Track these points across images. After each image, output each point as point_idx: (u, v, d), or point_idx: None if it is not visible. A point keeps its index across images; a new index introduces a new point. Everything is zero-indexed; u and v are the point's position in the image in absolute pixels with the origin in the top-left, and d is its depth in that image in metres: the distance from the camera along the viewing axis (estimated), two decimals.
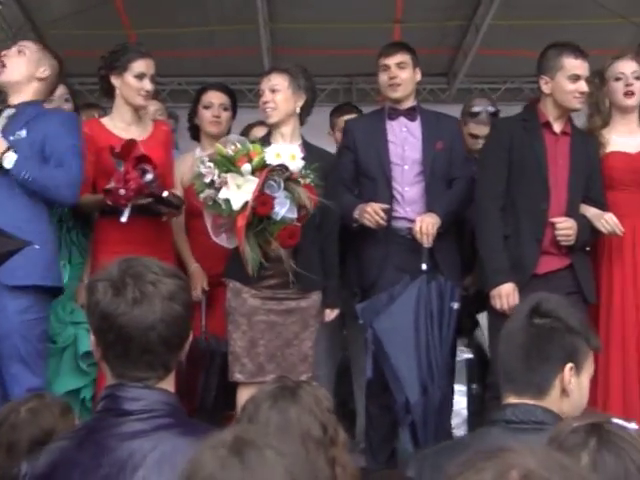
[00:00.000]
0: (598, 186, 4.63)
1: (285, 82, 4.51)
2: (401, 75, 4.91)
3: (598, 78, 4.67)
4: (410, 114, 4.95)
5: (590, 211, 4.55)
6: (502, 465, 1.30)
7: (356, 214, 4.72)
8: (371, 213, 4.66)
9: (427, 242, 4.56)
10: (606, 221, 4.46)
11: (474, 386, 5.70)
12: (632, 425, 1.74)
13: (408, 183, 4.83)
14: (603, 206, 4.57)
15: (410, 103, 4.99)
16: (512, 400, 2.44)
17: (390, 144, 4.89)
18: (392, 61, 4.93)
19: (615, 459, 1.60)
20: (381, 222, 4.67)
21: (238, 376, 4.28)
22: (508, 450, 1.33)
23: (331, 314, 4.58)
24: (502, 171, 4.55)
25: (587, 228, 4.52)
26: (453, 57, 8.09)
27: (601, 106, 4.70)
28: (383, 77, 4.98)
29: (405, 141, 4.90)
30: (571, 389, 2.45)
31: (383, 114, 5.01)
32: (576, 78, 4.51)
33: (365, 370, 4.52)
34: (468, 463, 1.33)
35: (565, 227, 4.47)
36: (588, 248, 4.65)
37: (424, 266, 4.50)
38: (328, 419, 2.24)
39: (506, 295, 4.39)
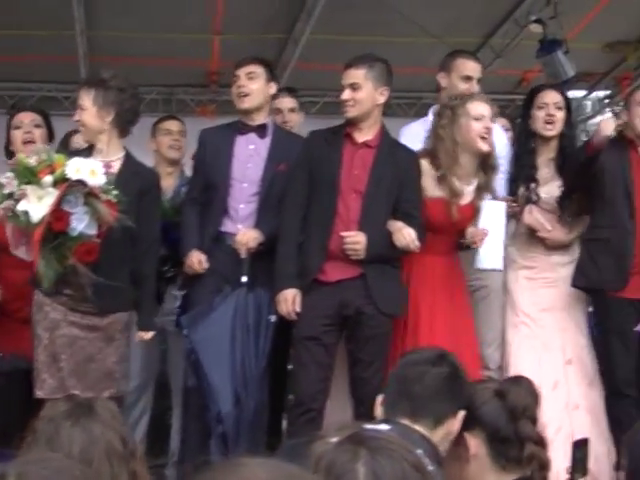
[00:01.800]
0: (410, 200, 4.62)
1: (89, 99, 4.41)
2: (250, 85, 4.88)
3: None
4: (260, 131, 4.92)
5: (394, 224, 4.52)
6: (236, 478, 1.34)
7: (184, 257, 4.76)
8: (192, 265, 4.71)
9: (244, 253, 4.57)
10: (402, 235, 4.42)
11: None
12: (383, 426, 1.78)
13: (244, 201, 4.82)
14: (413, 219, 4.55)
15: (262, 119, 4.95)
16: (405, 422, 2.56)
17: (234, 160, 4.85)
18: (242, 71, 4.90)
19: (391, 462, 1.61)
20: (200, 270, 4.70)
21: (39, 392, 4.15)
22: (242, 464, 1.37)
23: (144, 336, 4.48)
24: (304, 182, 4.59)
25: (384, 241, 4.49)
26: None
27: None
28: (233, 88, 4.95)
29: (250, 159, 4.88)
30: (452, 437, 2.67)
31: (235, 128, 4.97)
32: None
33: (183, 382, 4.49)
34: (209, 477, 1.36)
35: (353, 241, 4.47)
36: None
37: (244, 278, 4.52)
38: (127, 432, 2.22)
39: (286, 300, 4.43)
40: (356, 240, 4.47)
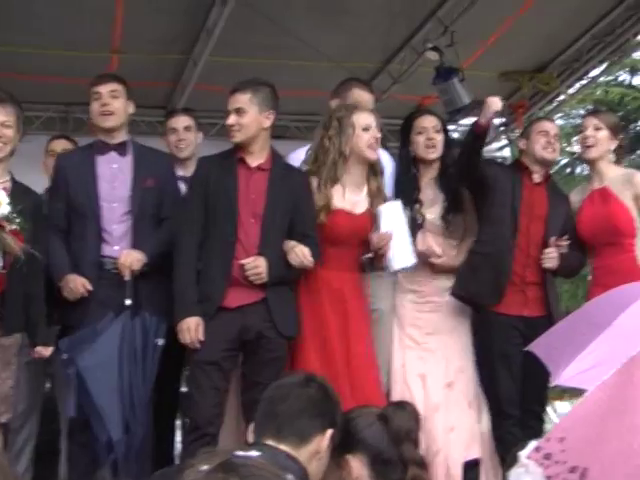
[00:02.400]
0: (304, 220, 4.65)
1: None
2: (114, 104, 4.84)
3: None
4: (120, 149, 4.87)
5: (287, 244, 4.55)
6: None
7: (59, 282, 4.66)
8: (76, 289, 4.62)
9: (127, 275, 4.51)
10: (295, 254, 4.48)
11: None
12: (252, 452, 1.78)
13: (116, 221, 4.76)
14: (309, 238, 4.59)
15: (122, 137, 4.92)
16: (270, 442, 2.57)
17: (100, 180, 4.79)
18: (105, 89, 4.85)
19: None
20: (85, 294, 4.63)
21: None
22: None
23: (44, 351, 4.45)
24: (199, 208, 4.57)
25: (284, 263, 4.53)
26: (171, 90, 8.10)
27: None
28: (95, 105, 4.88)
29: (115, 178, 4.82)
30: (323, 453, 2.66)
31: (94, 148, 4.91)
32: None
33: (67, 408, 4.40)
34: None
35: (253, 266, 4.48)
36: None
37: (128, 301, 4.46)
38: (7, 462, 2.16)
39: (189, 329, 4.40)
40: (256, 264, 4.47)
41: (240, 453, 1.76)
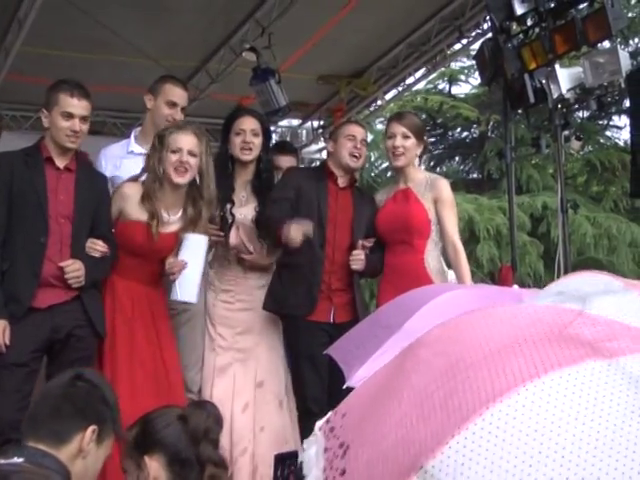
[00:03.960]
0: (105, 222, 4.64)
1: None
2: None
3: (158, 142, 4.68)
4: None
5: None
6: None
7: None
8: None
9: None
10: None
11: None
12: (15, 459, 1.77)
13: None
14: (110, 241, 4.59)
15: None
16: (31, 443, 2.46)
17: None
18: None
19: None
20: None
21: None
22: None
23: None
24: (1, 205, 4.46)
25: (99, 264, 4.54)
26: None
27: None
28: None
29: None
30: (88, 451, 2.56)
31: None
32: (69, 116, 4.48)
33: None
34: None
35: (73, 269, 4.41)
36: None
37: None
38: None
39: None
40: (76, 268, 4.40)
41: (3, 461, 1.74)
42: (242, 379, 5.07)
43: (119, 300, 4.68)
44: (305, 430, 4.96)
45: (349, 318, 5.05)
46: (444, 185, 5.20)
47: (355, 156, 5.18)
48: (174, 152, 4.63)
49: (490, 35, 6.89)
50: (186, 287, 4.73)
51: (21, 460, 1.73)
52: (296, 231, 4.81)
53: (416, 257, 5.10)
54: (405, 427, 1.71)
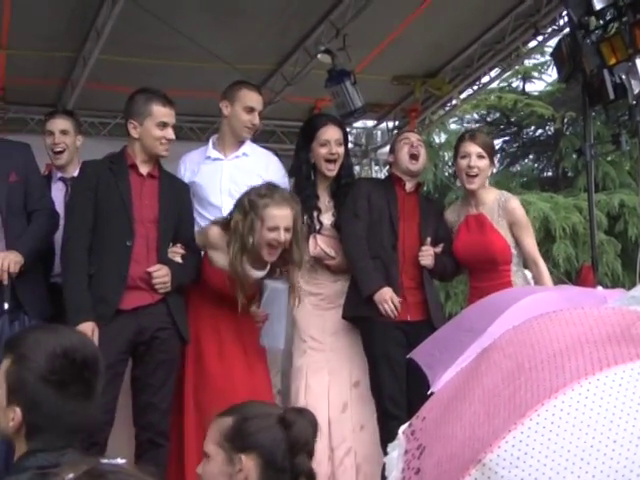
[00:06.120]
0: (189, 231, 4.79)
1: None
2: None
3: None
4: None
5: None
6: None
7: None
8: None
9: (5, 279, 4.41)
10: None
11: None
12: (120, 460, 1.77)
13: None
14: (192, 248, 4.73)
15: None
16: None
17: None
18: None
19: None
20: None
21: None
22: None
23: None
24: (88, 211, 4.52)
25: (184, 269, 4.67)
26: (62, 88, 7.95)
27: None
28: None
29: None
30: None
31: None
32: (164, 125, 4.61)
33: None
34: None
35: (159, 275, 4.53)
36: None
37: (6, 305, 4.35)
38: None
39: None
40: (163, 273, 4.50)
41: (106, 461, 1.75)
42: (337, 380, 5.10)
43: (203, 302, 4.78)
44: (383, 431, 4.96)
45: (423, 317, 5.05)
46: (516, 206, 5.16)
47: (413, 158, 5.19)
48: (270, 230, 4.54)
49: (567, 31, 6.79)
50: (272, 335, 4.92)
51: (124, 462, 1.74)
52: (389, 298, 4.92)
53: (503, 281, 5.08)
54: (472, 426, 1.79)
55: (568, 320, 1.93)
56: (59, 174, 5.47)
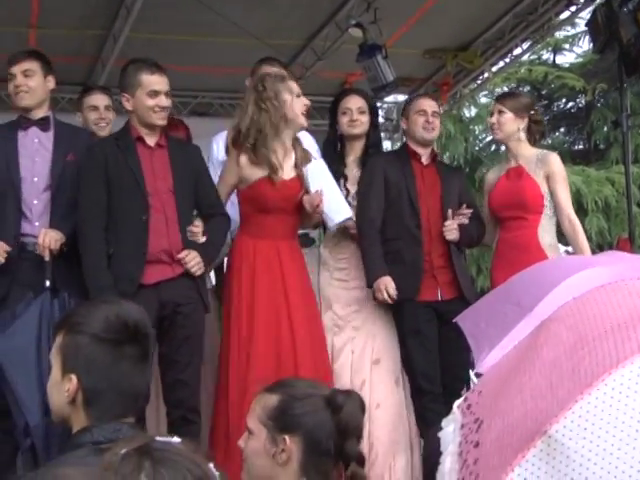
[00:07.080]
0: (210, 194, 4.68)
1: None
2: (29, 83, 4.71)
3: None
4: (42, 124, 4.76)
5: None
6: None
7: None
8: None
9: (47, 256, 4.41)
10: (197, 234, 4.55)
11: None
12: (175, 439, 1.76)
13: (36, 197, 4.64)
14: (217, 207, 4.66)
15: (43, 113, 4.79)
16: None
17: (21, 157, 4.67)
18: (18, 69, 4.72)
19: (174, 474, 1.59)
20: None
21: None
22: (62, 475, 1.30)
23: None
24: (100, 190, 4.49)
25: (211, 244, 4.63)
26: (92, 67, 7.95)
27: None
28: (10, 86, 4.75)
29: (36, 153, 4.71)
30: None
31: (16, 124, 4.79)
32: (155, 93, 4.55)
33: None
34: None
35: (190, 259, 4.46)
36: None
37: (47, 282, 4.35)
38: None
39: None
40: (193, 256, 4.46)
41: (160, 438, 1.73)
42: (359, 356, 5.07)
43: (252, 261, 4.71)
44: (417, 407, 4.94)
45: (455, 295, 5.02)
46: (555, 160, 5.21)
47: (428, 130, 5.15)
48: (299, 97, 4.73)
49: (602, 0, 6.70)
50: (336, 208, 4.82)
51: (178, 441, 1.72)
52: (384, 288, 4.90)
53: (530, 231, 5.10)
54: (534, 398, 1.76)
55: (631, 291, 1.90)
56: None
